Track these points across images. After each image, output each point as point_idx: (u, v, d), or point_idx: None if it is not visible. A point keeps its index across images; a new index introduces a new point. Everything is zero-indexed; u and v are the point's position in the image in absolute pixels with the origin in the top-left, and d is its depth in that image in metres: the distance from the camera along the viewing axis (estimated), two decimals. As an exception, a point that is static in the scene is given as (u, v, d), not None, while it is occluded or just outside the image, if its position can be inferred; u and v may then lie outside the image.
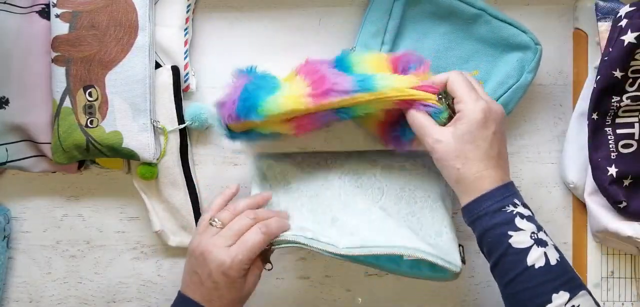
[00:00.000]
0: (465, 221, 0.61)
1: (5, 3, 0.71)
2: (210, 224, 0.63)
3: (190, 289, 0.62)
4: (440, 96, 0.62)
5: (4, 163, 0.73)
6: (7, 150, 0.73)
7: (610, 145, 0.67)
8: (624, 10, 0.64)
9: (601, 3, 0.69)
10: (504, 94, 0.70)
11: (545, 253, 0.56)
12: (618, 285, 0.73)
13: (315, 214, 0.68)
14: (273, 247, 0.65)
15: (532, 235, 0.56)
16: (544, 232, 0.58)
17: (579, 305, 0.54)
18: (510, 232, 0.56)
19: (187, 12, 0.73)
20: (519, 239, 0.56)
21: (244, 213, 0.64)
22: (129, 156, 0.71)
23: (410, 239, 0.64)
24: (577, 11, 0.73)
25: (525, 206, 0.59)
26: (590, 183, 0.70)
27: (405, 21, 0.71)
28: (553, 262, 0.56)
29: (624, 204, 0.67)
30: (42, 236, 0.78)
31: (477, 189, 0.58)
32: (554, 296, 0.54)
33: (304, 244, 0.64)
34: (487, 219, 0.58)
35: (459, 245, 0.66)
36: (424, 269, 0.68)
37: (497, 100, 0.69)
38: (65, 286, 0.78)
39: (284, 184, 0.71)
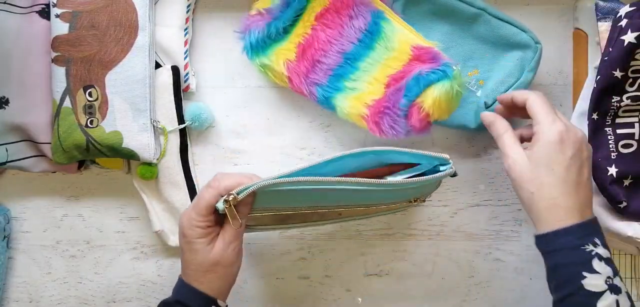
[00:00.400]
0: (537, 247, 0.58)
1: (5, 3, 0.71)
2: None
3: (183, 269, 0.63)
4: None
5: (4, 163, 0.73)
6: (7, 150, 0.73)
7: (611, 145, 0.67)
8: (624, 10, 0.64)
9: (601, 3, 0.69)
10: (505, 93, 0.69)
11: (617, 301, 0.53)
12: (618, 285, 0.73)
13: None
14: (237, 195, 0.57)
15: (608, 280, 0.54)
16: (620, 277, 0.55)
17: None
18: (585, 273, 0.54)
19: (187, 12, 0.73)
20: (593, 283, 0.53)
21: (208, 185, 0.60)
22: (129, 156, 0.71)
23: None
24: (577, 11, 0.73)
25: (605, 246, 0.56)
26: (590, 183, 0.70)
27: (405, 21, 0.71)
28: None
29: (624, 204, 0.67)
30: (42, 236, 0.78)
31: (552, 219, 0.56)
32: None
33: (267, 184, 0.56)
34: (563, 255, 0.55)
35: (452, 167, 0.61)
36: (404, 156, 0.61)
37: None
38: (65, 286, 0.78)
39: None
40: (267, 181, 0.56)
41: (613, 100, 0.66)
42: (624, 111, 0.66)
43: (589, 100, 0.67)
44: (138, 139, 0.70)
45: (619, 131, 0.67)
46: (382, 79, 0.68)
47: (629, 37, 0.62)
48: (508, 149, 0.59)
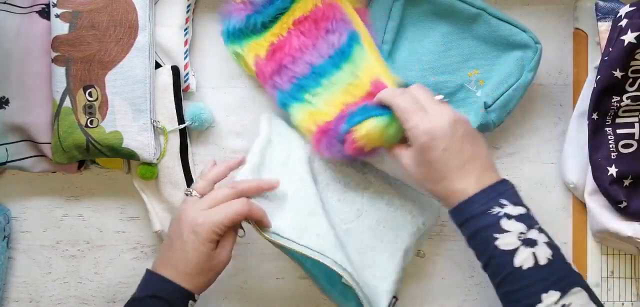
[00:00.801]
0: (455, 223, 0.60)
1: (5, 3, 0.71)
2: (186, 194, 0.64)
3: (158, 261, 0.62)
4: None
5: (4, 163, 0.73)
6: (7, 150, 0.73)
7: (611, 145, 0.67)
8: (624, 10, 0.64)
9: (601, 3, 0.69)
10: (505, 93, 0.69)
11: (533, 253, 0.54)
12: (618, 285, 0.73)
13: (297, 200, 0.67)
14: (263, 234, 0.64)
15: (520, 235, 0.55)
16: (538, 229, 0.56)
17: (570, 303, 0.53)
18: (495, 235, 0.55)
19: (187, 12, 0.73)
20: (506, 241, 0.55)
21: (225, 186, 0.63)
22: (129, 156, 0.71)
23: (350, 265, 0.65)
24: (577, 11, 0.73)
25: (516, 203, 0.57)
26: (590, 183, 0.70)
27: (404, 21, 0.71)
28: (543, 261, 0.54)
29: (624, 204, 0.67)
30: (42, 236, 0.78)
31: (453, 200, 0.58)
32: (544, 295, 0.53)
33: (285, 245, 0.64)
34: (472, 224, 0.57)
35: (394, 297, 0.68)
36: (352, 303, 0.68)
37: (497, 100, 0.69)
38: (65, 286, 0.78)
39: (282, 160, 0.70)
40: (286, 241, 0.63)
41: (613, 100, 0.66)
42: (624, 111, 0.66)
43: (589, 100, 0.67)
44: (138, 139, 0.70)
45: (619, 131, 0.67)
46: (339, 105, 0.68)
47: (629, 37, 0.62)
48: (397, 152, 0.63)
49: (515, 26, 0.70)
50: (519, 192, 0.58)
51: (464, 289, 0.76)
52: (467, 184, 0.57)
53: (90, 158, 0.73)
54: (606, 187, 0.67)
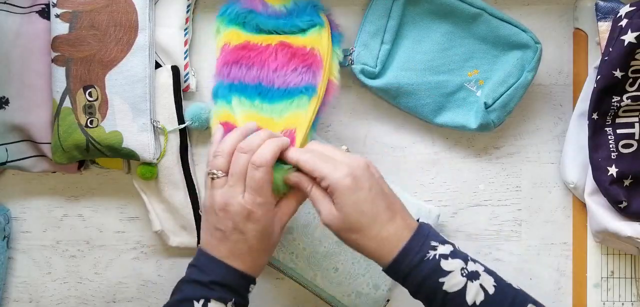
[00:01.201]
0: (392, 278, 0.57)
1: (5, 3, 0.71)
2: (211, 177, 0.59)
3: (213, 246, 0.59)
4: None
5: (4, 163, 0.73)
6: (7, 151, 0.73)
7: (611, 145, 0.67)
8: (624, 10, 0.64)
9: (601, 3, 0.69)
10: (505, 93, 0.69)
11: (481, 285, 0.54)
12: (618, 285, 0.73)
13: None
14: (273, 264, 0.68)
15: (462, 271, 0.54)
16: (470, 258, 0.56)
17: None
18: (441, 279, 0.54)
19: (187, 12, 0.73)
20: (452, 283, 0.53)
21: (237, 150, 0.59)
22: (129, 156, 0.71)
23: (337, 287, 0.69)
24: (577, 11, 0.73)
25: (443, 242, 0.56)
26: (590, 183, 0.70)
27: (404, 21, 0.71)
28: (491, 290, 0.54)
29: (625, 204, 0.67)
30: (42, 236, 0.78)
31: (388, 250, 0.55)
32: None
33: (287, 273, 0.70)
34: (414, 276, 0.54)
35: (387, 300, 0.71)
36: None
37: (498, 99, 0.69)
38: (65, 286, 0.78)
39: None
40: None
41: (613, 100, 0.66)
42: (624, 111, 0.66)
43: (589, 101, 0.67)
44: (138, 139, 0.70)
45: (619, 131, 0.67)
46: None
47: (629, 37, 0.62)
48: (319, 204, 0.58)
49: (516, 26, 0.70)
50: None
51: (464, 289, 0.76)
52: (397, 227, 0.55)
53: (90, 158, 0.73)
54: (606, 187, 0.67)
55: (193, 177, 0.74)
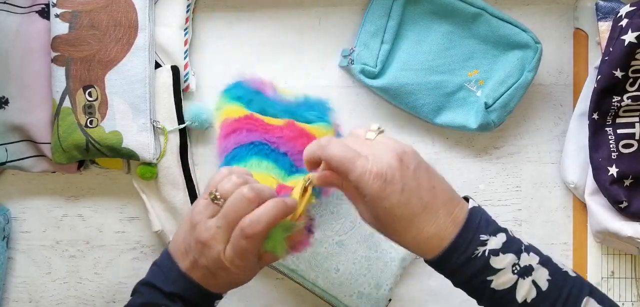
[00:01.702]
0: (437, 271, 0.52)
1: (5, 3, 0.71)
2: (213, 201, 0.53)
3: (181, 255, 0.55)
4: (307, 182, 0.55)
5: (4, 163, 0.73)
6: (7, 151, 0.73)
7: (611, 145, 0.67)
8: (625, 9, 0.63)
9: (601, 3, 0.69)
10: (505, 93, 0.69)
11: (533, 282, 0.49)
12: (618, 285, 0.73)
13: None
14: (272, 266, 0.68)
15: (514, 268, 0.49)
16: (525, 248, 0.50)
17: None
18: (489, 278, 0.49)
19: (187, 12, 0.73)
20: (502, 281, 0.49)
21: (244, 193, 0.52)
22: (129, 156, 0.71)
23: (338, 288, 0.69)
24: (577, 11, 0.73)
25: (495, 232, 0.50)
26: (590, 183, 0.70)
27: (404, 21, 0.71)
28: (545, 286, 0.49)
29: (625, 204, 0.67)
30: (41, 236, 0.78)
31: (430, 249, 0.50)
32: None
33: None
34: (460, 275, 0.50)
35: (389, 299, 0.71)
36: None
37: (498, 99, 0.69)
38: (65, 286, 0.78)
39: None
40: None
41: (613, 100, 0.66)
42: (625, 111, 0.66)
43: (589, 101, 0.67)
44: (138, 139, 0.70)
45: (619, 131, 0.67)
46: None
47: (630, 37, 0.62)
48: (353, 203, 0.53)
49: (516, 26, 0.70)
50: (486, 210, 0.52)
51: (464, 289, 0.76)
52: (439, 225, 0.50)
53: (90, 158, 0.73)
54: (607, 187, 0.67)
55: (193, 177, 0.74)
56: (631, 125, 0.66)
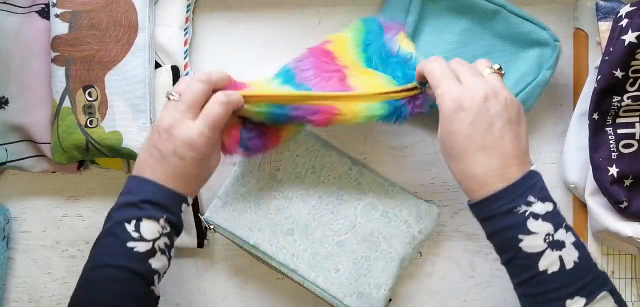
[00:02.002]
0: (473, 214, 0.56)
1: (5, 3, 0.71)
2: (168, 98, 0.59)
3: (148, 166, 0.57)
4: (420, 86, 0.61)
5: (4, 163, 0.73)
6: (6, 151, 0.73)
7: (611, 146, 0.67)
8: (625, 9, 0.63)
9: (602, 3, 0.68)
10: (522, 91, 0.69)
11: (560, 257, 0.51)
12: (618, 285, 0.73)
13: (279, 214, 0.70)
14: (217, 231, 0.70)
15: (547, 237, 0.51)
16: (565, 227, 0.52)
17: None
18: (520, 236, 0.51)
19: (187, 12, 0.73)
20: (531, 244, 0.51)
21: (197, 79, 0.58)
22: (129, 156, 0.71)
23: (338, 288, 0.69)
24: (577, 11, 0.73)
25: (544, 199, 0.52)
26: (590, 183, 0.70)
27: (423, 17, 0.71)
28: (570, 265, 0.51)
29: (625, 204, 0.66)
30: (41, 236, 0.77)
31: (474, 189, 0.53)
32: (569, 302, 0.50)
33: (247, 248, 0.70)
34: (494, 222, 0.53)
35: (389, 299, 0.70)
36: None
37: (515, 97, 0.68)
38: (65, 286, 0.78)
39: (272, 172, 0.71)
40: (250, 248, 0.69)
41: (614, 100, 0.66)
42: (625, 111, 0.66)
43: (589, 100, 0.67)
44: (138, 139, 0.70)
45: (619, 131, 0.67)
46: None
47: (630, 37, 0.62)
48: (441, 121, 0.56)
49: (535, 24, 0.69)
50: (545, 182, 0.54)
51: (463, 289, 0.76)
52: (488, 171, 0.52)
53: (90, 158, 0.73)
54: (607, 187, 0.67)
55: (193, 177, 0.73)
56: (631, 125, 0.66)
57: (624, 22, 0.63)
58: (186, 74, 0.73)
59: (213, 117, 0.57)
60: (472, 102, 0.53)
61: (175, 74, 0.72)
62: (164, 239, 0.57)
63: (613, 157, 0.67)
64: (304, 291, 0.74)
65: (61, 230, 0.77)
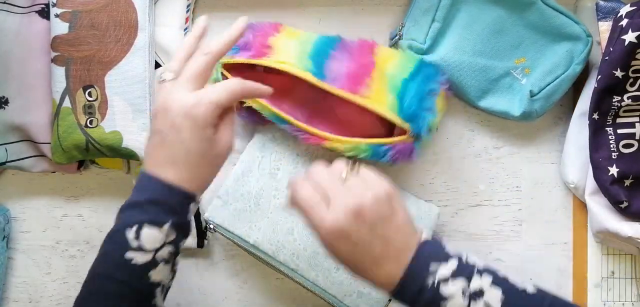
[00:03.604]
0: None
1: (5, 3, 0.71)
2: (158, 81, 0.55)
3: (152, 156, 0.54)
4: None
5: (4, 163, 0.73)
6: (6, 151, 0.73)
7: (611, 145, 0.67)
8: (625, 9, 0.63)
9: (601, 3, 0.68)
10: (551, 83, 0.69)
11: (485, 304, 0.49)
12: (618, 285, 0.73)
13: (279, 214, 0.70)
14: (217, 231, 0.70)
15: (464, 293, 0.49)
16: (477, 271, 0.50)
17: None
18: (442, 304, 0.49)
19: (187, 12, 0.73)
20: (455, 305, 0.49)
21: (199, 53, 0.55)
22: (129, 156, 0.71)
23: (338, 287, 0.69)
24: (577, 11, 0.73)
25: (445, 258, 0.50)
26: (590, 183, 0.70)
27: (457, 1, 0.70)
28: (498, 305, 0.49)
29: (625, 204, 0.66)
30: (41, 236, 0.78)
31: (388, 285, 0.51)
32: None
33: (247, 248, 0.71)
34: (419, 304, 0.50)
35: (389, 299, 0.69)
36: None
37: (543, 89, 0.68)
38: (65, 286, 0.78)
39: (272, 171, 0.71)
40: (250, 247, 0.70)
41: (614, 100, 0.66)
42: (625, 111, 0.66)
43: (589, 100, 0.67)
44: (138, 139, 0.70)
45: (619, 131, 0.67)
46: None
47: (630, 37, 0.62)
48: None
49: (569, 17, 0.69)
50: (442, 238, 0.52)
51: (464, 290, 0.76)
52: (384, 274, 0.51)
53: (90, 158, 0.73)
54: (607, 187, 0.67)
55: (193, 177, 0.73)
56: (631, 125, 0.66)
57: (624, 22, 0.63)
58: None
59: (195, 69, 0.54)
60: (347, 226, 0.50)
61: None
62: (168, 248, 0.53)
63: (613, 157, 0.67)
64: (304, 290, 0.74)
65: (61, 230, 0.77)
